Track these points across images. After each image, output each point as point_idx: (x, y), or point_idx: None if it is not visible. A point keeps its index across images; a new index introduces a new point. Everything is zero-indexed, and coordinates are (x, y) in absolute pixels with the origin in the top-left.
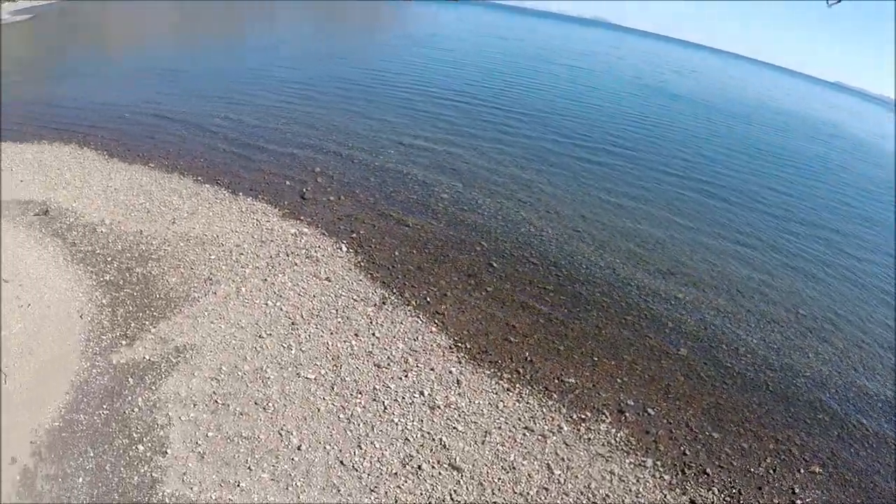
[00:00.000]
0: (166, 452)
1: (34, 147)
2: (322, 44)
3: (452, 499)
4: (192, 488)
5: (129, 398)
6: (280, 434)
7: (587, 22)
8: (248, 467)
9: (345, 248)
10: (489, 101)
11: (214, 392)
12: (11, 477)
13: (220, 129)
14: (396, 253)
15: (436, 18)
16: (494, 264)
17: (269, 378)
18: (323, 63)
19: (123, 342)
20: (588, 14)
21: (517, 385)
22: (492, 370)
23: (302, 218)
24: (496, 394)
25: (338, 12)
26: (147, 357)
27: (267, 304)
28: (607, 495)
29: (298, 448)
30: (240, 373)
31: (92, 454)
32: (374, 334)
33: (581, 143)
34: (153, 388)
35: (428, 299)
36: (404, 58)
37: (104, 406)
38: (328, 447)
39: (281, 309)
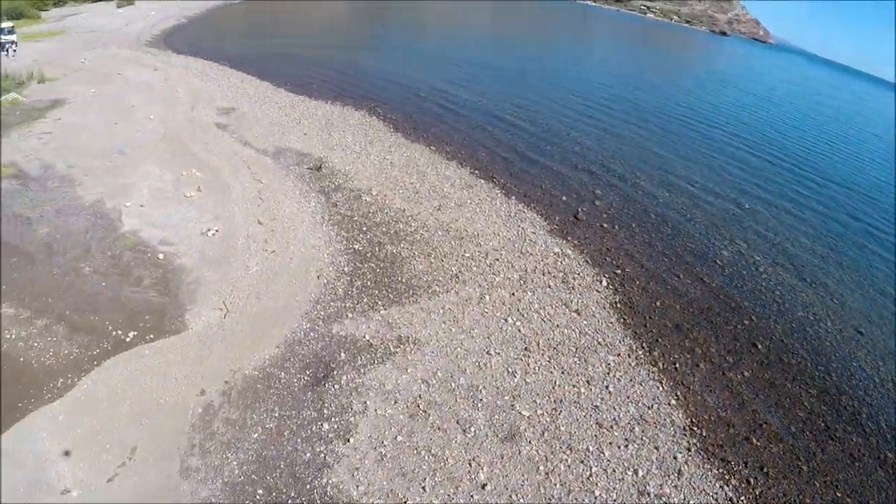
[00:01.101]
0: (348, 441)
1: (327, 107)
2: (629, 66)
3: None
4: (357, 486)
5: (335, 373)
6: (469, 464)
7: None
8: (423, 487)
9: (605, 283)
10: (787, 160)
11: (420, 396)
12: (193, 409)
13: (508, 131)
14: (657, 303)
15: (748, 59)
16: (759, 346)
17: (480, 400)
18: (622, 86)
19: (349, 315)
20: None
21: (742, 498)
22: (720, 470)
23: (569, 239)
24: (716, 501)
25: (652, 36)
26: (367, 337)
27: (506, 321)
28: None
29: (483, 486)
30: (453, 384)
31: (277, 415)
32: (607, 387)
33: (883, 234)
34: (361, 370)
35: (677, 365)
36: (708, 96)
37: (307, 372)
38: (514, 497)
39: (519, 330)
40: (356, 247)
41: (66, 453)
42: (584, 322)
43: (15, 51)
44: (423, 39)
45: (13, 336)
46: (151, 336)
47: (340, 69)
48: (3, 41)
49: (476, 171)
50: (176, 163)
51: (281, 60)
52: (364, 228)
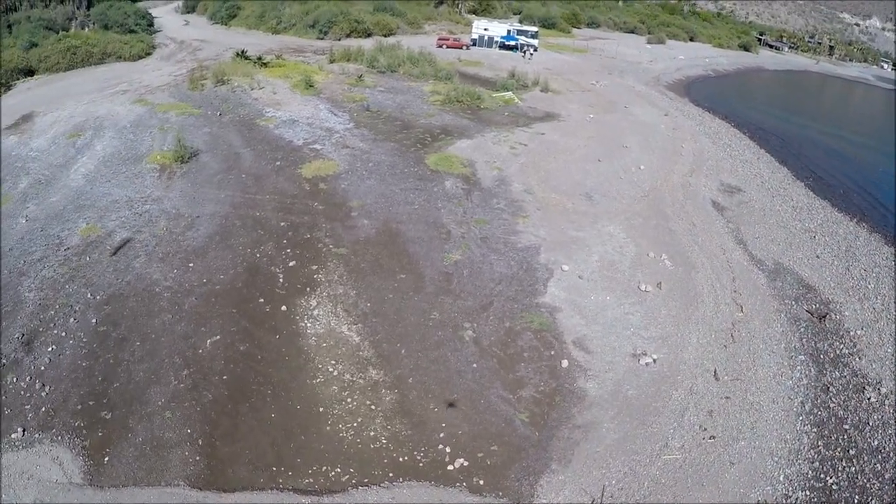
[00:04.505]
0: None
1: (851, 226)
2: None
3: None
4: None
5: None
6: None
7: None
8: None
9: None
10: None
11: None
12: None
13: None
14: None
15: None
16: None
17: None
18: None
19: None
20: None
21: None
22: None
23: None
24: None
25: None
26: None
27: None
28: None
29: None
30: None
31: None
32: None
33: None
34: None
35: None
36: None
37: None
38: None
39: None
40: (829, 482)
41: None
42: None
43: (532, 55)
44: None
45: (336, 372)
46: (480, 482)
47: (873, 178)
48: (522, 44)
49: None
50: (647, 236)
51: (805, 146)
52: (851, 451)
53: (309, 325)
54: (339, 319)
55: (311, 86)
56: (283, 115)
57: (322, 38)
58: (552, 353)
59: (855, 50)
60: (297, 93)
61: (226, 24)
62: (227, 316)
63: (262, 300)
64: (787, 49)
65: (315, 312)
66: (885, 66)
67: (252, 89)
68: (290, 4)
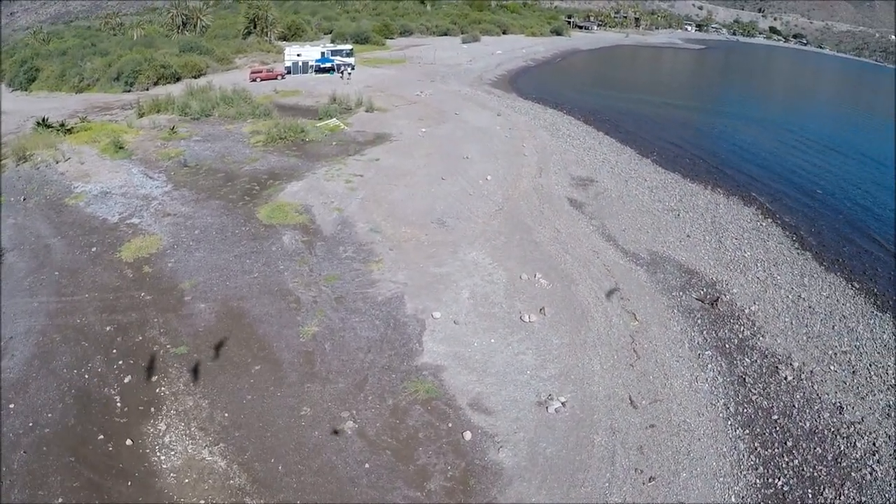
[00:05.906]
0: None
1: (707, 194)
2: None
3: None
4: None
5: None
6: None
7: None
8: None
9: None
10: None
11: None
12: None
13: None
14: None
15: None
16: None
17: None
18: None
19: None
20: None
21: None
22: None
23: None
24: None
25: None
26: None
27: None
28: None
29: None
30: None
31: None
32: None
33: None
34: None
35: None
36: None
37: None
38: None
39: None
40: (779, 484)
41: None
42: None
43: (350, 74)
44: (784, 108)
45: None
46: None
47: (708, 140)
48: (338, 64)
49: None
50: (513, 255)
51: (639, 120)
52: (789, 443)
53: (163, 457)
54: (196, 443)
55: (121, 148)
56: (93, 189)
57: (129, 91)
58: (450, 425)
59: (659, 18)
60: (107, 158)
61: (26, 90)
62: (66, 468)
63: (101, 437)
64: (596, 28)
65: (166, 440)
66: (690, 28)
67: (57, 162)
68: (91, 59)
